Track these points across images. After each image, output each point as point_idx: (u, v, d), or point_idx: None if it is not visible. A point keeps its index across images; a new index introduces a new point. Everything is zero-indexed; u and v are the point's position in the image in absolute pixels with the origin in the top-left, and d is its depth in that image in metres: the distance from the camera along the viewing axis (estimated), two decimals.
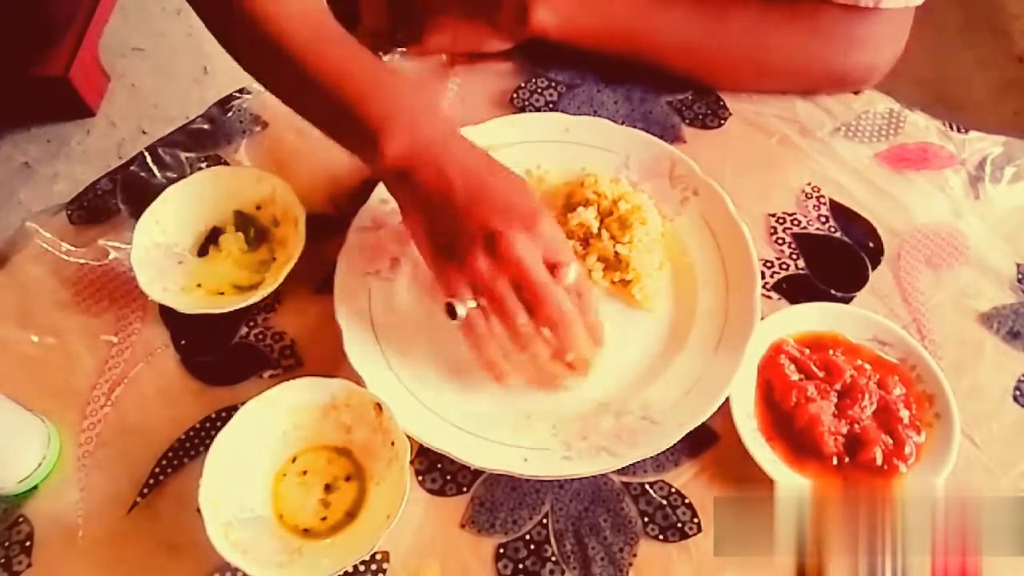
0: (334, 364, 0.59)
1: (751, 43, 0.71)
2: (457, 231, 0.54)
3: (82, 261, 0.66)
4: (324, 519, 0.54)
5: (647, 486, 0.56)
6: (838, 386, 0.58)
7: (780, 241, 0.67)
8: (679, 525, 0.55)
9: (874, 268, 0.66)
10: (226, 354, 0.62)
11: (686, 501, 0.56)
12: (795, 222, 0.68)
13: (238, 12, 0.60)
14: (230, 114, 0.74)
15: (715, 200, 0.66)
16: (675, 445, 0.56)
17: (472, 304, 0.55)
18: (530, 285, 0.53)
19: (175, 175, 0.70)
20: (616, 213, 0.64)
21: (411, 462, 0.55)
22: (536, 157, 0.69)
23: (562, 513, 0.56)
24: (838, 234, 0.67)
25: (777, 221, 0.68)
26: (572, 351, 0.56)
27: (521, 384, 0.59)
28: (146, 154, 0.71)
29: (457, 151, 0.57)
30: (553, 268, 0.55)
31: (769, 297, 0.64)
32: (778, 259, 0.66)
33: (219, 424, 0.55)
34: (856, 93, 0.75)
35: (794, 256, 0.66)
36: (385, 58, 0.77)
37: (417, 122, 0.57)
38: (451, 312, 0.55)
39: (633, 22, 0.71)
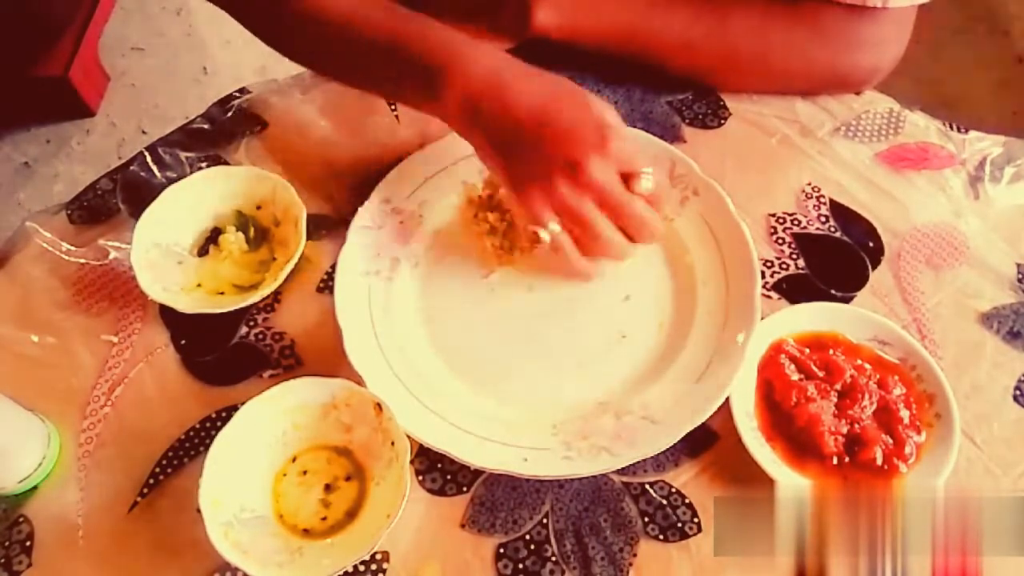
0: (334, 364, 0.59)
1: (753, 45, 0.71)
2: (533, 163, 0.56)
3: (82, 261, 0.66)
4: (324, 519, 0.54)
5: (647, 486, 0.56)
6: (838, 386, 0.58)
7: (780, 241, 0.67)
8: (679, 525, 0.55)
9: (874, 268, 0.66)
10: (226, 354, 0.62)
11: (686, 501, 0.56)
12: (795, 222, 0.68)
13: (287, 10, 0.63)
14: (230, 114, 0.74)
15: (715, 200, 0.66)
16: (675, 445, 0.56)
17: (556, 227, 0.58)
18: (612, 205, 0.57)
19: (175, 175, 0.70)
20: None
21: (411, 462, 0.55)
22: None
23: (562, 513, 0.56)
24: (838, 234, 0.67)
25: (777, 221, 0.68)
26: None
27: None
28: (146, 154, 0.71)
29: (516, 83, 0.58)
30: (628, 179, 0.58)
31: (769, 297, 0.64)
32: (778, 259, 0.66)
33: (219, 424, 0.56)
34: (857, 94, 0.75)
35: (794, 256, 0.66)
36: None
37: (471, 62, 0.58)
38: (536, 238, 0.58)
39: (635, 23, 0.71)
